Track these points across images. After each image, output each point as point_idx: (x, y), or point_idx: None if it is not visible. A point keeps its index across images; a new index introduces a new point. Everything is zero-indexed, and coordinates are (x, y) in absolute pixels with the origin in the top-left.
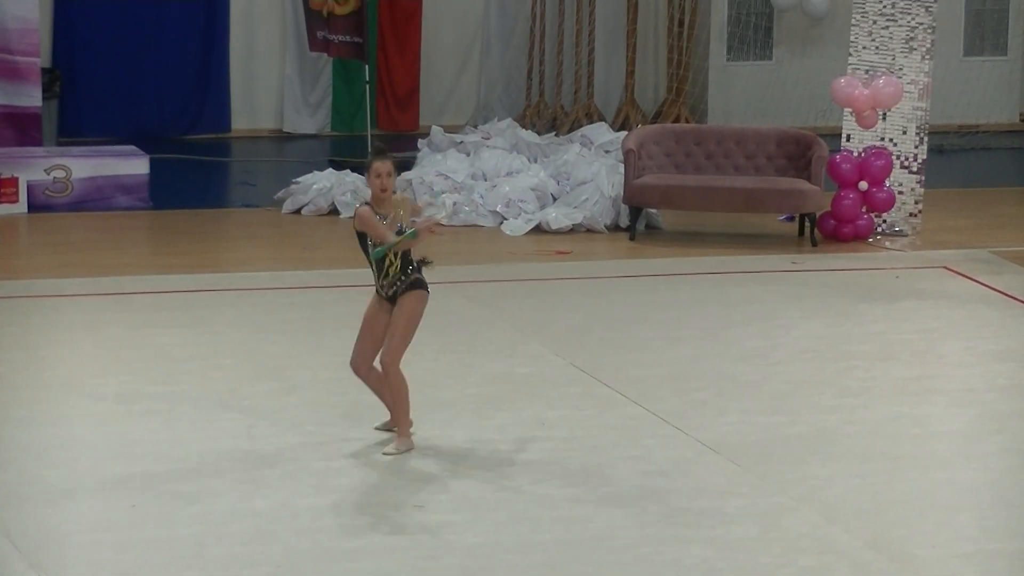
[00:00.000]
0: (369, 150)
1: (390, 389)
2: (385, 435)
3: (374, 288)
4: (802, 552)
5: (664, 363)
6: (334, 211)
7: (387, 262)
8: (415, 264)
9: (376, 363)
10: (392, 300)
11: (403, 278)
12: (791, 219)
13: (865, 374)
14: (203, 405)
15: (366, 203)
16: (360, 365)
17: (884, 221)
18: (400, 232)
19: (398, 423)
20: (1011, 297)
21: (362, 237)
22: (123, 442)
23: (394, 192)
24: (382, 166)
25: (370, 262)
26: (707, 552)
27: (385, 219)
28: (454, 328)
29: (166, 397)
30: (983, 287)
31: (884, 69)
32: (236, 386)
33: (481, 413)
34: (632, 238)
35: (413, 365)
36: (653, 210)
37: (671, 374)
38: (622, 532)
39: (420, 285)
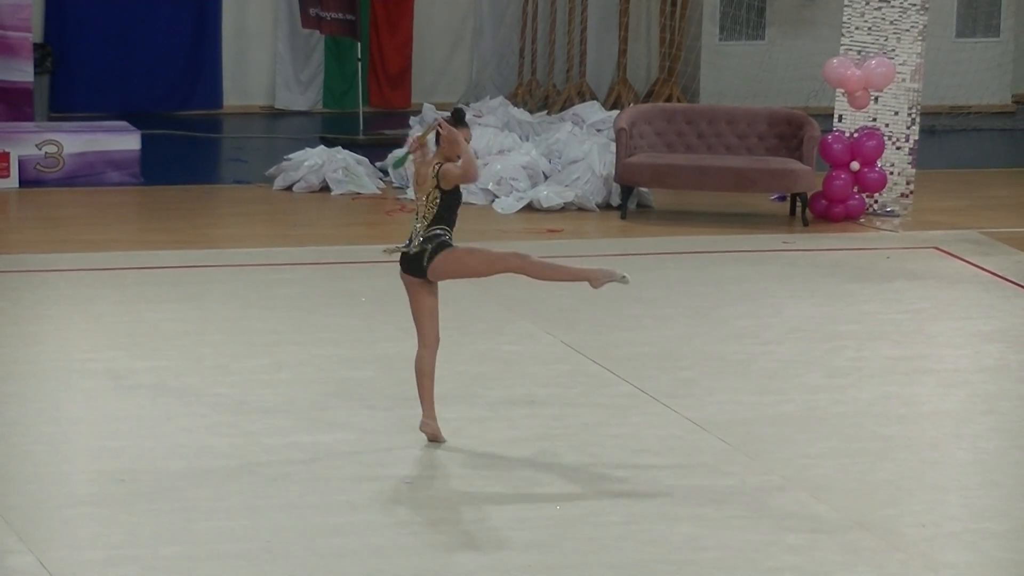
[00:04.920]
0: (413, 124)
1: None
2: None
3: (399, 258)
4: (790, 531)
5: (654, 341)
6: (325, 188)
7: (424, 206)
8: (444, 229)
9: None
10: (410, 269)
11: (425, 237)
12: (782, 199)
13: (854, 354)
14: (192, 381)
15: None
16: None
17: (875, 201)
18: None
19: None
20: (1001, 278)
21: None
22: (112, 418)
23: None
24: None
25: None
26: (696, 530)
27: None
28: (443, 306)
29: (155, 372)
30: (973, 267)
31: (876, 50)
32: (225, 362)
33: (471, 391)
34: (623, 217)
35: (403, 343)
36: (644, 189)
37: (660, 352)
38: (611, 509)
39: (445, 246)
